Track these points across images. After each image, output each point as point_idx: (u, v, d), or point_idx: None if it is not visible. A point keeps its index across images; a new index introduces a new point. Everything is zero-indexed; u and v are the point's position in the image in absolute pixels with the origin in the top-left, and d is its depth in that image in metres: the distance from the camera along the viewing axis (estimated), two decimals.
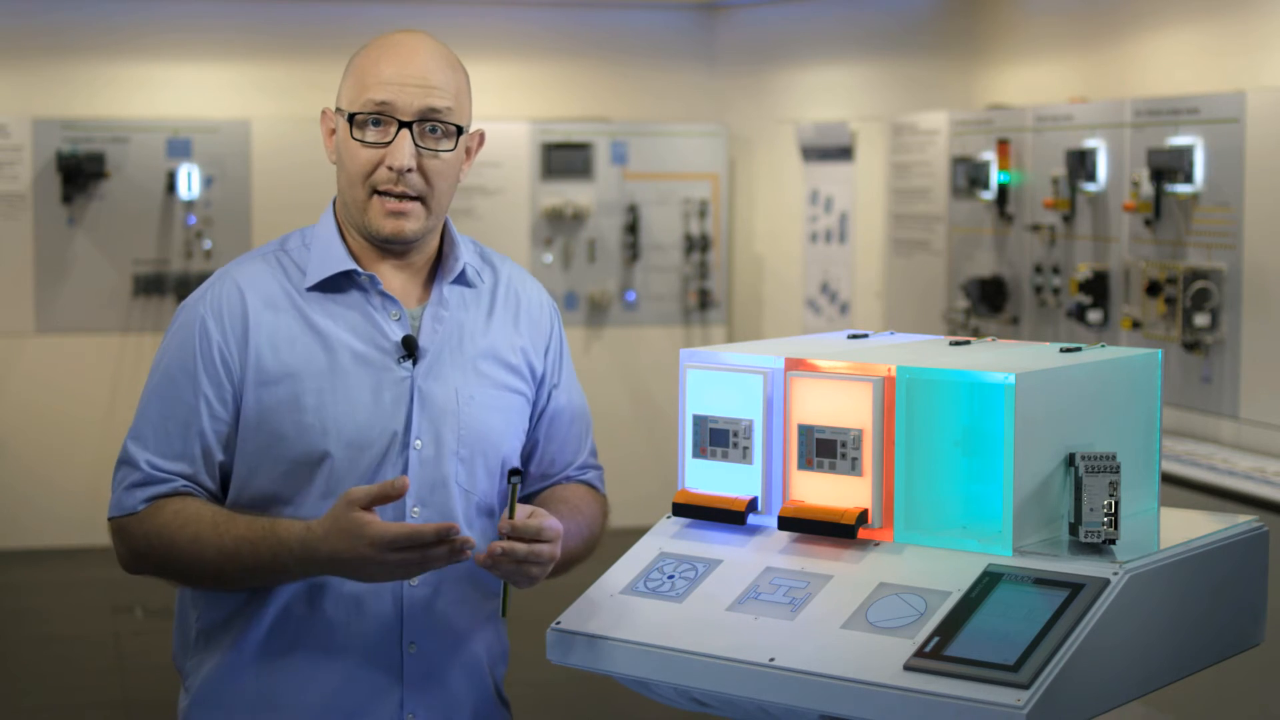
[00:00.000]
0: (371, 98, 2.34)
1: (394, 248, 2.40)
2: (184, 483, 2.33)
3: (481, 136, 2.49)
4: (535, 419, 2.52)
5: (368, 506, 2.17)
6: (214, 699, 2.38)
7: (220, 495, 2.36)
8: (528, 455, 2.53)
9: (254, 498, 2.34)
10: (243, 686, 2.37)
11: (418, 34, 2.41)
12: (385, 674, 2.37)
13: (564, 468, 2.56)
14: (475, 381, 2.42)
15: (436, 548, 2.17)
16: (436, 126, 2.36)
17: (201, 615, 2.40)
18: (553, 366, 2.54)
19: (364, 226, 2.38)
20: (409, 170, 2.34)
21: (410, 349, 2.38)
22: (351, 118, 2.35)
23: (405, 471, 2.35)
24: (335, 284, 2.39)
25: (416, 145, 2.34)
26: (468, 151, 2.44)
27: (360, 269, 2.39)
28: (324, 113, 2.45)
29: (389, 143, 2.34)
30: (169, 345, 2.38)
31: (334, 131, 2.42)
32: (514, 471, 2.24)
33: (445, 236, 2.47)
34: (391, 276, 2.42)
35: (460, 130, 2.39)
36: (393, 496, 2.18)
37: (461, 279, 2.46)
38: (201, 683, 2.39)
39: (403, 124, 2.33)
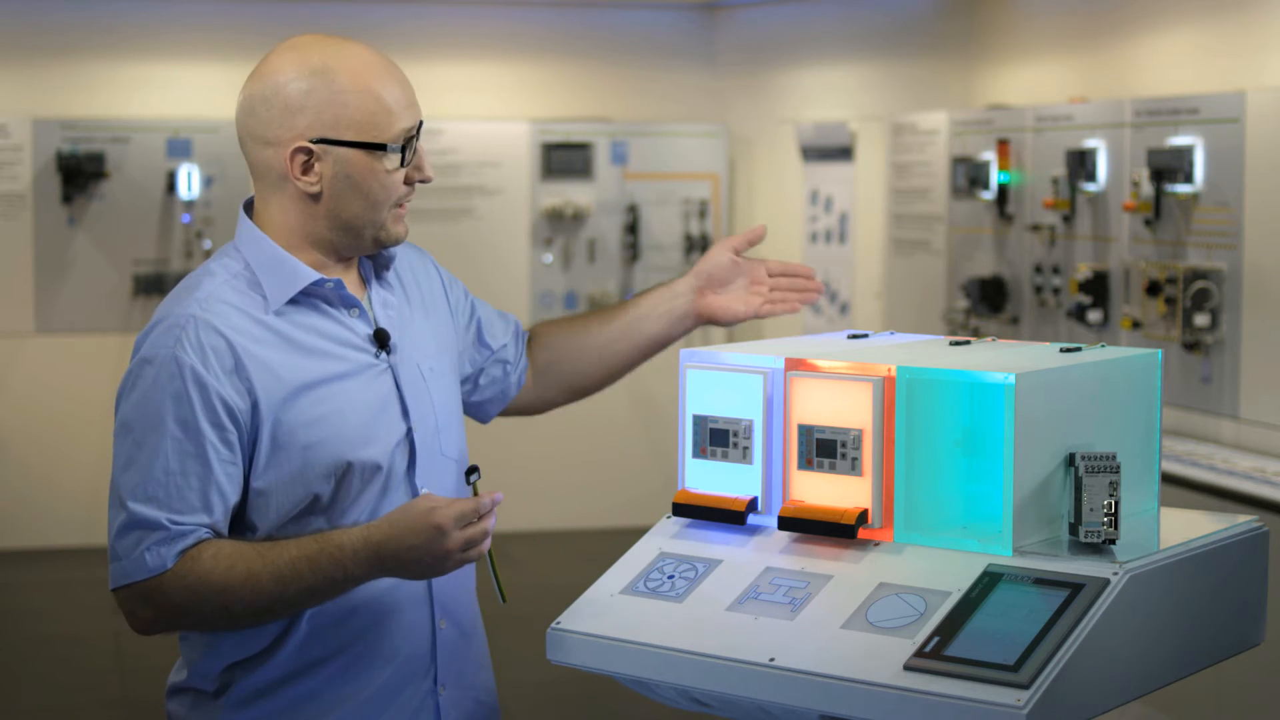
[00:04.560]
0: (402, 127, 2.36)
1: (384, 249, 2.45)
2: (206, 531, 2.29)
3: None
4: (475, 337, 2.64)
5: (460, 526, 2.20)
6: (250, 702, 2.37)
7: (234, 537, 2.34)
8: (493, 351, 2.65)
9: (288, 524, 2.33)
10: (281, 684, 2.37)
11: (369, 47, 2.42)
12: (421, 653, 2.42)
13: (514, 333, 2.70)
14: (428, 354, 2.48)
15: (489, 518, 2.20)
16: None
17: (225, 654, 2.37)
18: (454, 290, 2.63)
19: (376, 242, 2.40)
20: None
21: (383, 341, 2.41)
22: (401, 148, 2.35)
23: (413, 456, 2.39)
24: (295, 298, 2.37)
25: None
26: None
27: (325, 278, 2.39)
28: (295, 150, 2.33)
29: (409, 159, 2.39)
30: (154, 400, 2.28)
31: (311, 166, 2.34)
32: (472, 469, 2.27)
33: None
34: (340, 277, 2.44)
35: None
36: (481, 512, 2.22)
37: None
38: (234, 693, 2.37)
39: (414, 137, 2.38)
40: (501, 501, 2.23)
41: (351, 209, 2.36)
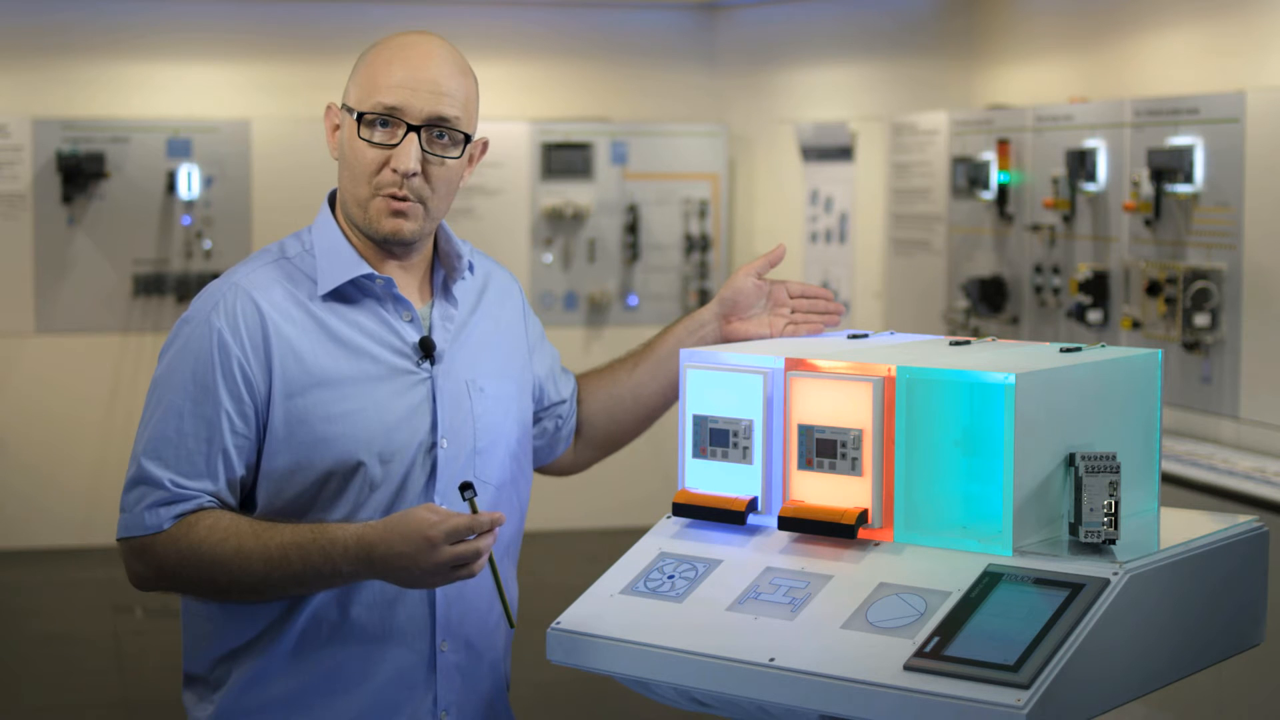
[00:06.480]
0: (381, 100, 2.32)
1: (392, 247, 2.40)
2: (209, 499, 2.30)
3: (485, 144, 2.50)
4: (541, 380, 2.60)
5: (451, 541, 2.18)
6: (243, 706, 2.37)
7: (240, 512, 2.33)
8: (549, 404, 2.62)
9: (284, 509, 2.33)
10: (274, 691, 2.36)
11: (432, 37, 2.39)
12: (420, 674, 2.39)
13: (572, 392, 2.67)
14: (482, 373, 2.45)
15: (486, 537, 2.18)
16: (444, 133, 2.36)
17: (224, 638, 2.37)
18: (533, 331, 2.62)
19: (364, 224, 2.37)
20: (413, 175, 2.33)
21: (428, 350, 2.38)
22: (360, 117, 2.34)
23: (434, 472, 2.37)
24: (346, 290, 2.38)
25: (423, 150, 2.34)
26: (470, 158, 2.44)
27: (376, 273, 2.38)
28: (329, 108, 2.42)
29: (395, 145, 2.33)
30: (182, 359, 2.32)
31: (338, 127, 2.40)
32: (466, 485, 2.23)
33: (440, 235, 2.48)
34: (399, 277, 2.42)
35: (467, 139, 2.39)
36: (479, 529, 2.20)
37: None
38: (228, 692, 2.37)
39: (410, 127, 2.33)
40: (502, 524, 2.21)
41: (343, 179, 2.38)
